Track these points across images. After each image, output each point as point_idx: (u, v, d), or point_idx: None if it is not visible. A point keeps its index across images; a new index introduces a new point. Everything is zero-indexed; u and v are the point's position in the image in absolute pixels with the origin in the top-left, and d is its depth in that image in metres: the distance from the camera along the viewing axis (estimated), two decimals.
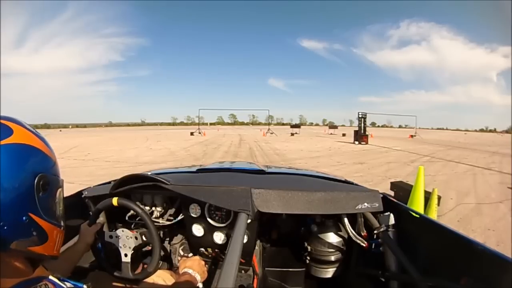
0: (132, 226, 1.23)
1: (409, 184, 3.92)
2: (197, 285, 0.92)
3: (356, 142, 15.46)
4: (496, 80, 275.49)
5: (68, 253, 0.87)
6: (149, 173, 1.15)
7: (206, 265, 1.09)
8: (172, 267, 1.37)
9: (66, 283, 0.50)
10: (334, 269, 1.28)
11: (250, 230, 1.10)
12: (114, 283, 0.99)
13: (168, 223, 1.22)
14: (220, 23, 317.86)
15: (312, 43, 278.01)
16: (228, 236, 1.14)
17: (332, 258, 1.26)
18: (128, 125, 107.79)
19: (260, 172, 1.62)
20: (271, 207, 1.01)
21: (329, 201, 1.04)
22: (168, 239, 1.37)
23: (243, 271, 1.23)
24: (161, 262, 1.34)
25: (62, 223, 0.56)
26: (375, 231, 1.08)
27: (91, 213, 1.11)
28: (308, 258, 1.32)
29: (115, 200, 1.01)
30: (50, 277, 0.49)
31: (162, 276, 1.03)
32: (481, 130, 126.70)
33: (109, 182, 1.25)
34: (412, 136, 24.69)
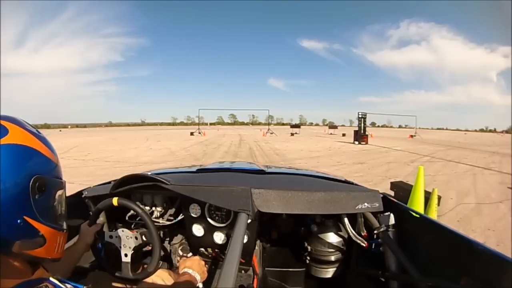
0: (132, 226, 1.23)
1: (409, 184, 3.92)
2: (197, 285, 0.92)
3: (356, 142, 15.45)
4: (496, 80, 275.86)
5: (68, 254, 0.86)
6: (149, 173, 1.15)
7: (206, 265, 1.09)
8: (172, 267, 1.37)
9: (66, 284, 0.50)
10: (334, 269, 1.28)
11: (250, 230, 1.10)
12: (114, 283, 0.99)
13: (168, 223, 1.22)
14: (220, 23, 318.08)
15: (312, 43, 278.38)
16: (228, 236, 1.14)
17: (332, 258, 1.26)
18: (128, 125, 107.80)
19: (260, 172, 1.62)
20: (271, 207, 1.01)
21: (329, 201, 1.04)
22: (168, 239, 1.37)
23: (243, 271, 1.23)
24: (161, 262, 1.34)
25: (63, 226, 0.55)
26: (375, 231, 1.08)
27: (91, 213, 1.11)
28: (308, 258, 1.31)
29: (115, 200, 1.01)
30: (51, 278, 0.48)
31: (162, 276, 1.03)
32: (481, 130, 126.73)
33: (109, 182, 1.25)
34: (412, 136, 24.69)
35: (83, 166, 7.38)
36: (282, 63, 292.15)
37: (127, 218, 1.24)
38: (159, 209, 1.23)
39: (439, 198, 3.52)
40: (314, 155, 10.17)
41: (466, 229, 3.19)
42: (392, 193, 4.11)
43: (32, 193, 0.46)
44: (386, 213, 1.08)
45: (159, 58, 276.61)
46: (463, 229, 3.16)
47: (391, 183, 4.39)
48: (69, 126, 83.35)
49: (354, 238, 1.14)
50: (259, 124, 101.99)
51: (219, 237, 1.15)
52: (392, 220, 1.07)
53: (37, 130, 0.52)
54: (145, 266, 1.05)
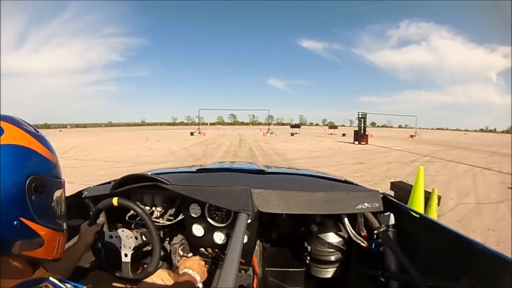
0: (132, 226, 1.23)
1: (409, 184, 3.92)
2: (197, 285, 0.92)
3: (356, 142, 15.45)
4: (496, 80, 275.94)
5: (68, 253, 0.86)
6: (149, 173, 1.15)
7: (206, 265, 1.09)
8: (172, 267, 1.37)
9: (66, 284, 0.49)
10: (334, 269, 1.28)
11: (250, 230, 1.10)
12: (114, 283, 0.99)
13: (168, 223, 1.22)
14: (220, 23, 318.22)
15: (312, 43, 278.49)
16: (228, 236, 1.14)
17: (332, 258, 1.26)
18: (128, 125, 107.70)
19: (260, 172, 1.61)
20: (271, 207, 1.01)
21: (329, 201, 1.04)
22: (168, 239, 1.37)
23: (243, 271, 1.23)
24: (161, 262, 1.34)
25: (63, 226, 0.55)
26: (375, 231, 1.08)
27: (91, 213, 1.11)
28: (308, 258, 1.31)
29: (115, 200, 1.01)
30: (51, 278, 0.48)
31: (162, 276, 1.03)
32: (481, 130, 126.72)
33: (109, 182, 1.25)
34: (412, 136, 24.68)
35: (83, 166, 7.38)
36: (282, 63, 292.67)
37: (127, 218, 1.24)
38: (159, 209, 1.23)
39: (439, 198, 3.52)
40: (314, 155, 10.16)
41: (466, 229, 3.19)
42: (392, 193, 4.11)
43: (29, 194, 0.45)
44: (386, 213, 1.08)
45: (159, 58, 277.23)
46: (463, 229, 3.16)
47: (391, 183, 4.39)
48: (68, 126, 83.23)
49: (354, 238, 1.14)
50: (259, 124, 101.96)
51: (219, 237, 1.15)
52: (392, 220, 1.07)
53: (35, 130, 0.51)
54: (145, 266, 1.05)
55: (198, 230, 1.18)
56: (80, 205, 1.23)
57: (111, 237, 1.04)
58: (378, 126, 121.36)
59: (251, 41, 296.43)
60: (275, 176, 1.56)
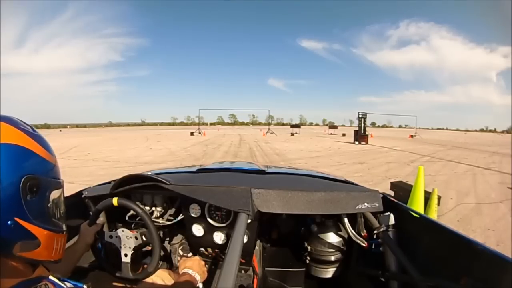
0: (132, 226, 1.23)
1: (409, 184, 3.92)
2: (197, 285, 0.92)
3: (356, 142, 15.45)
4: (496, 80, 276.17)
5: (68, 253, 0.86)
6: (149, 173, 1.15)
7: (206, 265, 1.09)
8: (172, 267, 1.37)
9: (66, 283, 0.49)
10: (334, 269, 1.28)
11: (250, 230, 1.10)
12: (114, 283, 0.99)
13: (168, 223, 1.22)
14: (220, 23, 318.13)
15: (312, 43, 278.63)
16: (228, 236, 1.14)
17: (332, 258, 1.26)
18: (128, 125, 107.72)
19: (260, 172, 1.61)
20: (271, 207, 1.01)
21: (329, 201, 1.04)
22: (168, 239, 1.37)
23: (243, 271, 1.23)
24: (161, 262, 1.34)
25: (61, 227, 0.54)
26: (375, 231, 1.08)
27: (91, 213, 1.11)
28: (308, 258, 1.31)
29: (115, 200, 1.01)
30: (50, 277, 0.48)
31: (162, 276, 1.03)
32: (481, 130, 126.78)
33: (109, 182, 1.25)
34: (412, 136, 24.68)
35: (83, 166, 7.38)
36: (282, 63, 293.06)
37: (127, 218, 1.24)
38: (159, 209, 1.23)
39: (439, 198, 3.52)
40: (314, 155, 10.16)
41: (466, 229, 3.18)
42: (392, 193, 4.11)
43: (23, 194, 0.44)
44: (386, 213, 1.08)
45: (159, 58, 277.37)
46: (463, 229, 3.16)
47: (391, 183, 4.39)
48: (68, 126, 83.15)
49: (354, 238, 1.14)
50: (259, 124, 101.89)
51: (219, 237, 1.15)
52: (392, 220, 1.07)
53: (32, 129, 0.50)
54: (145, 266, 1.05)
55: (198, 230, 1.18)
56: (80, 205, 1.22)
57: (111, 237, 1.04)
58: (378, 126, 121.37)
59: (251, 41, 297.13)
60: (275, 176, 1.56)
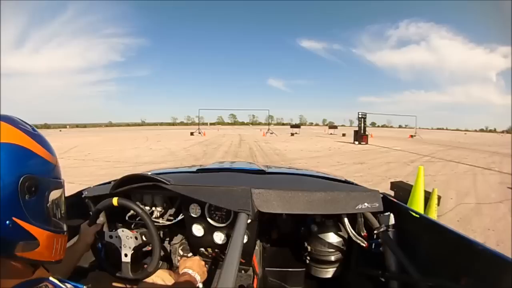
0: (132, 226, 1.23)
1: (409, 184, 3.92)
2: (197, 285, 0.92)
3: (356, 142, 15.45)
4: (496, 80, 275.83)
5: (68, 253, 0.85)
6: (149, 173, 1.15)
7: (206, 265, 1.09)
8: (172, 267, 1.37)
9: (66, 284, 0.49)
10: (334, 269, 1.28)
11: (250, 230, 1.10)
12: (114, 283, 0.99)
13: (168, 223, 1.22)
14: (220, 23, 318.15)
15: (312, 43, 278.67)
16: (228, 236, 1.14)
17: (332, 258, 1.26)
18: (128, 125, 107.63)
19: (260, 172, 1.61)
20: (271, 207, 1.01)
21: (329, 201, 1.04)
22: (168, 239, 1.37)
23: (243, 271, 1.23)
24: (161, 262, 1.34)
25: (61, 228, 0.54)
26: (375, 231, 1.07)
27: (91, 213, 1.11)
28: (308, 258, 1.31)
29: (115, 200, 1.01)
30: (51, 278, 0.48)
31: (162, 276, 1.03)
32: (481, 130, 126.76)
33: (109, 182, 1.25)
34: (412, 136, 24.68)
35: (83, 166, 7.38)
36: (281, 63, 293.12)
37: (127, 218, 1.24)
38: (159, 209, 1.23)
39: (439, 198, 3.52)
40: (314, 155, 10.16)
41: (466, 229, 3.18)
42: (392, 193, 4.11)
43: (22, 194, 0.43)
44: (386, 213, 1.08)
45: (159, 58, 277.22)
46: (463, 229, 3.16)
47: (391, 183, 4.39)
48: (68, 126, 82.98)
49: (354, 238, 1.14)
50: (259, 124, 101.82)
51: (219, 237, 1.15)
52: (392, 220, 1.07)
53: (32, 129, 0.50)
54: (145, 266, 1.05)
55: (198, 230, 1.18)
56: (80, 205, 1.22)
57: (111, 237, 1.04)
58: (378, 126, 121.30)
59: (251, 41, 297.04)
60: (275, 176, 1.56)
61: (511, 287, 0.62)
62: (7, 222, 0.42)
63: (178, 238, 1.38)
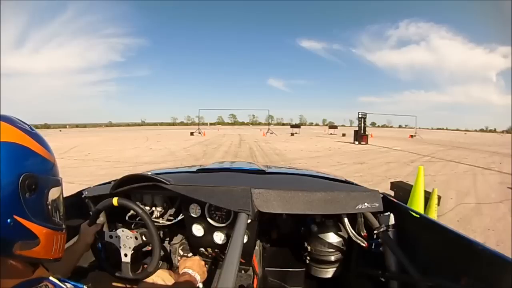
0: (132, 226, 1.23)
1: (409, 184, 3.92)
2: (197, 285, 0.92)
3: (356, 142, 15.44)
4: (496, 80, 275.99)
5: (68, 254, 0.86)
6: (149, 173, 1.15)
7: (206, 265, 1.09)
8: (172, 267, 1.37)
9: (66, 284, 0.49)
10: (334, 269, 1.28)
11: (250, 230, 1.10)
12: (114, 283, 0.99)
13: (168, 223, 1.22)
14: (220, 23, 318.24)
15: (311, 43, 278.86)
16: (228, 236, 1.14)
17: (332, 258, 1.26)
18: (128, 125, 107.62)
19: (260, 172, 1.61)
20: (271, 207, 1.01)
21: (329, 201, 1.04)
22: (168, 239, 1.37)
23: (243, 271, 1.23)
24: (161, 262, 1.34)
25: (60, 225, 0.54)
26: (375, 231, 1.07)
27: (91, 213, 1.11)
28: (308, 258, 1.31)
29: (115, 200, 1.01)
30: (51, 277, 0.48)
31: (162, 276, 1.03)
32: (481, 130, 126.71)
33: (109, 182, 1.25)
34: (412, 136, 24.68)
35: (83, 166, 7.38)
36: (281, 63, 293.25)
37: (127, 218, 1.24)
38: (159, 209, 1.23)
39: (439, 198, 3.52)
40: (314, 155, 10.16)
41: (466, 229, 3.18)
42: (392, 193, 4.11)
43: (22, 192, 0.44)
44: (386, 213, 1.08)
45: (159, 58, 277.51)
46: (463, 229, 3.16)
47: (391, 183, 4.39)
48: (68, 126, 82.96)
49: (354, 238, 1.14)
50: (259, 124, 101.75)
51: (219, 237, 1.15)
52: (392, 220, 1.07)
53: (30, 128, 0.50)
54: (145, 266, 1.05)
55: (198, 230, 1.18)
56: (80, 205, 1.22)
57: (111, 237, 1.04)
58: (378, 126, 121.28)
59: (251, 41, 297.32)
60: (275, 176, 1.56)
61: (511, 287, 0.62)
62: (8, 220, 0.42)
63: (178, 238, 1.38)
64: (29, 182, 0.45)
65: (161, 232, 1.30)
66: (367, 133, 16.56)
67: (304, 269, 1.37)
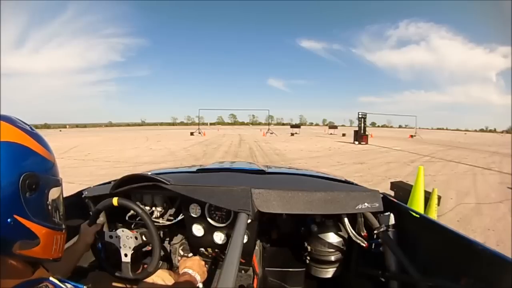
0: (132, 226, 1.23)
1: (409, 184, 3.92)
2: (197, 285, 0.92)
3: (356, 142, 15.44)
4: (496, 80, 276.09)
5: (68, 253, 0.86)
6: (149, 173, 1.15)
7: (206, 265, 1.09)
8: (172, 267, 1.37)
9: (66, 284, 0.49)
10: (334, 269, 1.28)
11: (250, 230, 1.10)
12: (114, 283, 0.99)
13: (168, 223, 1.22)
14: (220, 23, 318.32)
15: (311, 43, 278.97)
16: (228, 236, 1.14)
17: (332, 258, 1.26)
18: (128, 125, 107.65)
19: (260, 172, 1.61)
20: (271, 207, 1.01)
21: (329, 201, 1.04)
22: (168, 239, 1.37)
23: (243, 271, 1.23)
24: (161, 262, 1.34)
25: (60, 225, 0.54)
26: (375, 231, 1.07)
27: (91, 213, 1.11)
28: (308, 258, 1.31)
29: (115, 200, 1.01)
30: (51, 278, 0.48)
31: (162, 276, 1.03)
32: (481, 130, 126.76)
33: (109, 182, 1.25)
34: (412, 136, 24.67)
35: (83, 166, 7.38)
36: (281, 63, 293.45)
37: (127, 218, 1.24)
38: (159, 209, 1.23)
39: (439, 198, 3.52)
40: (314, 155, 10.16)
41: (466, 229, 3.18)
42: (392, 193, 4.11)
43: (23, 191, 0.44)
44: (386, 213, 1.08)
45: (159, 58, 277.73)
46: (463, 229, 3.16)
47: (391, 183, 4.39)
48: (68, 126, 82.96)
49: (354, 238, 1.14)
50: (259, 124, 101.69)
51: (219, 237, 1.15)
52: (392, 220, 1.07)
53: (30, 128, 0.50)
54: (145, 266, 1.05)
55: (198, 230, 1.18)
56: (80, 205, 1.22)
57: (111, 237, 1.04)
58: (378, 126, 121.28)
59: (251, 41, 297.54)
60: (275, 176, 1.56)
61: (511, 287, 0.62)
62: (9, 220, 0.42)
63: (178, 238, 1.38)
64: (29, 182, 0.45)
65: (161, 232, 1.30)
66: (367, 133, 16.55)
67: (304, 269, 1.37)
